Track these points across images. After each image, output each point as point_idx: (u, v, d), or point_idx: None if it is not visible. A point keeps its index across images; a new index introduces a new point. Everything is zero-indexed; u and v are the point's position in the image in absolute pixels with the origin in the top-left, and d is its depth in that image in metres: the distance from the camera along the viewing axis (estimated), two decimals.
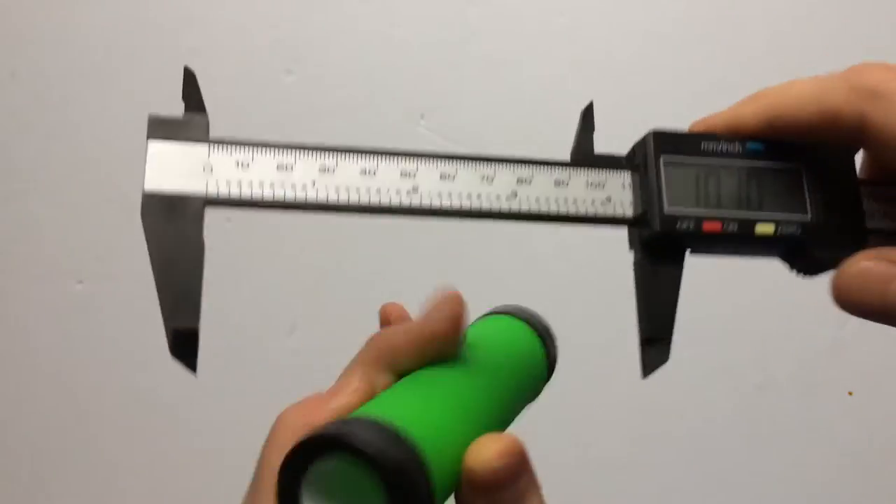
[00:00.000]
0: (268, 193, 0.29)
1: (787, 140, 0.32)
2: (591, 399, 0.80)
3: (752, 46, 0.86)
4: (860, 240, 0.32)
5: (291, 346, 0.84)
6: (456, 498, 0.28)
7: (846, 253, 0.30)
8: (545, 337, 0.38)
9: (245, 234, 0.80)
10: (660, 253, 0.32)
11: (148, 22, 0.86)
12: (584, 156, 0.32)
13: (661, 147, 0.32)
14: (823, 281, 0.31)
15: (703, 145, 0.32)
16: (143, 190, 0.28)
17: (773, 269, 0.34)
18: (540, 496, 0.28)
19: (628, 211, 0.32)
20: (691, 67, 0.85)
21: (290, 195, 0.29)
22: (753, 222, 0.31)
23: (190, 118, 0.30)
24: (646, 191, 0.32)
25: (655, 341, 0.31)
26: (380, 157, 0.30)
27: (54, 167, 0.85)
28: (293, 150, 0.30)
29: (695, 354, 0.77)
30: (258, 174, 0.29)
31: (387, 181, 0.30)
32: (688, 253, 0.32)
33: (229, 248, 0.78)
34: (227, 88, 0.85)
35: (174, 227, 0.28)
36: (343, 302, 0.82)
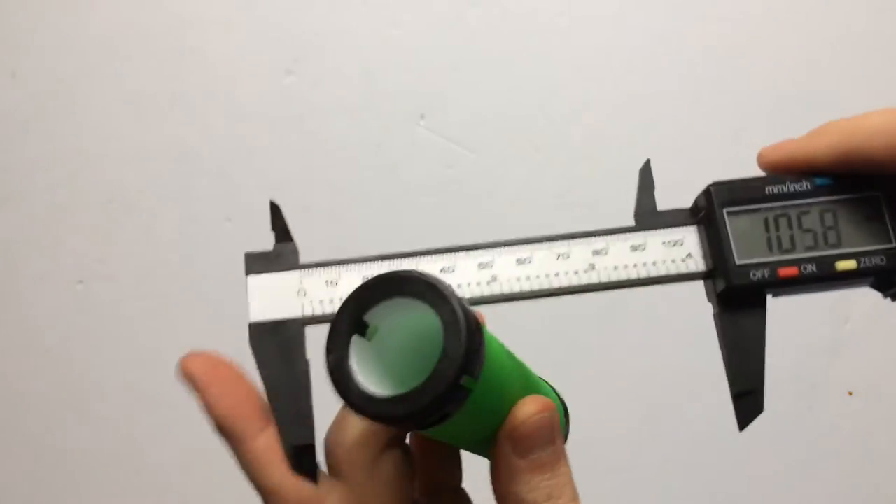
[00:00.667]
0: None
1: (860, 173, 0.31)
2: (591, 399, 0.80)
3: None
4: None
5: None
6: (493, 468, 0.29)
7: None
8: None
9: (246, 233, 0.80)
10: (738, 303, 0.31)
11: (148, 22, 0.86)
12: (648, 215, 0.32)
13: (722, 199, 0.31)
14: None
15: (768, 189, 0.31)
16: (249, 321, 0.31)
17: None
18: (569, 469, 0.28)
19: (701, 265, 0.31)
20: (693, 65, 0.85)
21: None
22: (833, 260, 0.31)
23: (281, 248, 0.32)
24: (714, 244, 0.31)
25: (747, 394, 0.31)
26: (456, 255, 0.31)
27: (54, 167, 0.85)
28: (374, 262, 0.31)
29: (695, 354, 0.77)
30: (346, 289, 0.30)
31: (466, 276, 0.31)
32: (770, 297, 0.31)
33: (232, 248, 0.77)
34: (228, 88, 0.85)
35: (279, 351, 0.30)
36: None
